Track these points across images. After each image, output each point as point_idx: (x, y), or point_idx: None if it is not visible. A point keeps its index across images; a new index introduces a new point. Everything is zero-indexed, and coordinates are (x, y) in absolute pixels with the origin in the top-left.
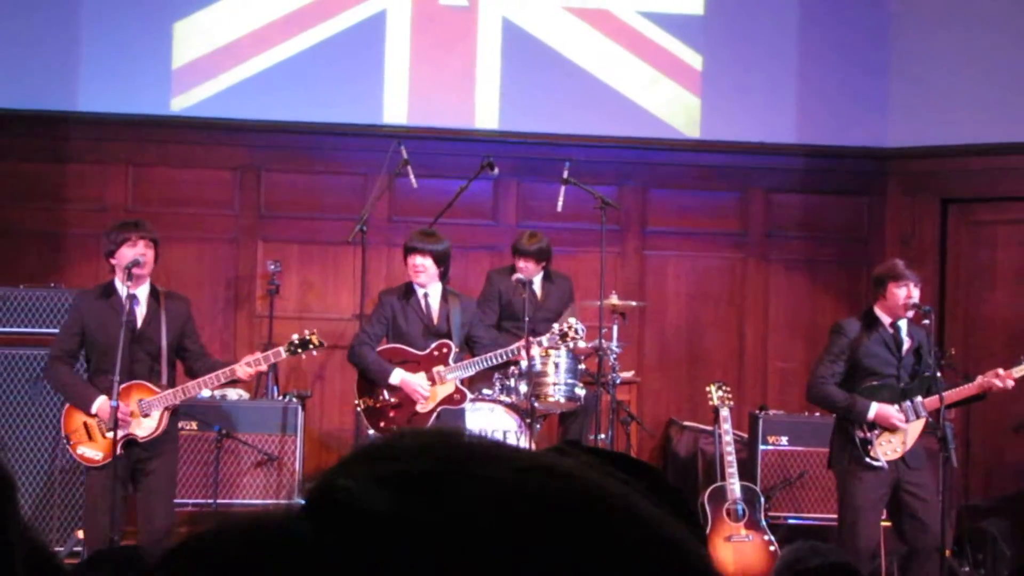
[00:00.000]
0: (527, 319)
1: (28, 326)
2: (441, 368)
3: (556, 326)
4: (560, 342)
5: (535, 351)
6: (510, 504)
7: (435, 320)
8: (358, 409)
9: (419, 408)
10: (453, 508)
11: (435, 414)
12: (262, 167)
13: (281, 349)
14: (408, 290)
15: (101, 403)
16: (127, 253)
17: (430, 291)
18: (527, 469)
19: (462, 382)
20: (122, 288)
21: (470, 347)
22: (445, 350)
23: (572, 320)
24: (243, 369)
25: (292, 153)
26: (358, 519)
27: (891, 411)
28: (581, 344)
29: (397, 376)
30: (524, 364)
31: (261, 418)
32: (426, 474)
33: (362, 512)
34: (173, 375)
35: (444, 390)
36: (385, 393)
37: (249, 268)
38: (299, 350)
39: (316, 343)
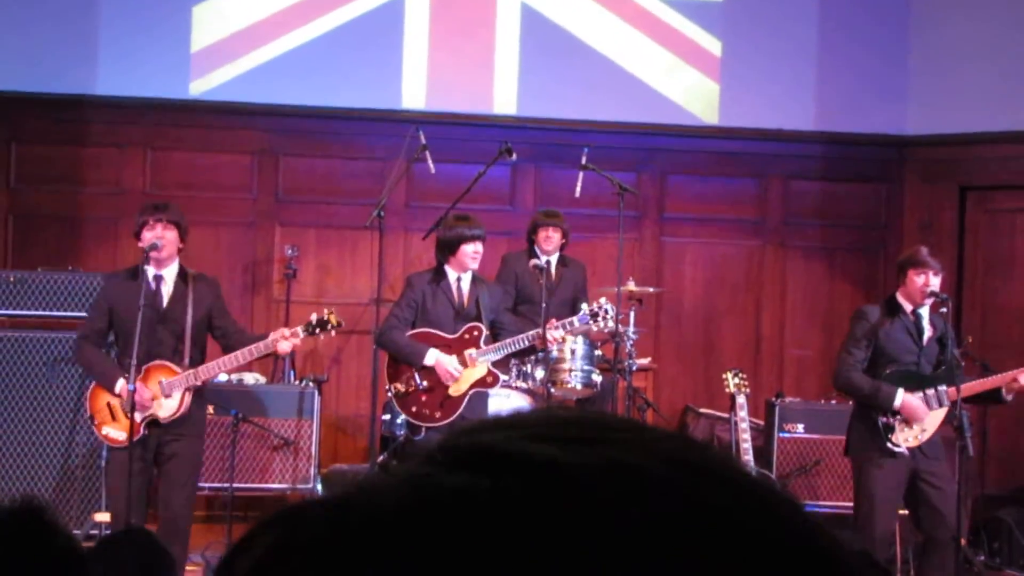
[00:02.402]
0: (544, 304)
1: (46, 309)
2: (473, 351)
3: (586, 306)
4: (591, 322)
5: (557, 334)
6: (674, 455)
7: (465, 304)
8: (389, 394)
9: (451, 392)
10: (624, 458)
11: (467, 397)
12: (280, 151)
13: (299, 329)
14: (439, 274)
15: (123, 384)
16: (146, 236)
17: (463, 275)
18: (664, 435)
19: (494, 365)
20: (149, 270)
21: (494, 333)
22: (476, 333)
23: (603, 300)
24: (284, 344)
25: (310, 137)
26: (536, 468)
27: (917, 403)
28: (611, 324)
29: (432, 356)
30: (555, 352)
31: (278, 402)
32: (578, 437)
33: (539, 461)
34: (200, 356)
35: (476, 373)
36: (416, 378)
37: (267, 252)
38: (316, 330)
39: (335, 323)
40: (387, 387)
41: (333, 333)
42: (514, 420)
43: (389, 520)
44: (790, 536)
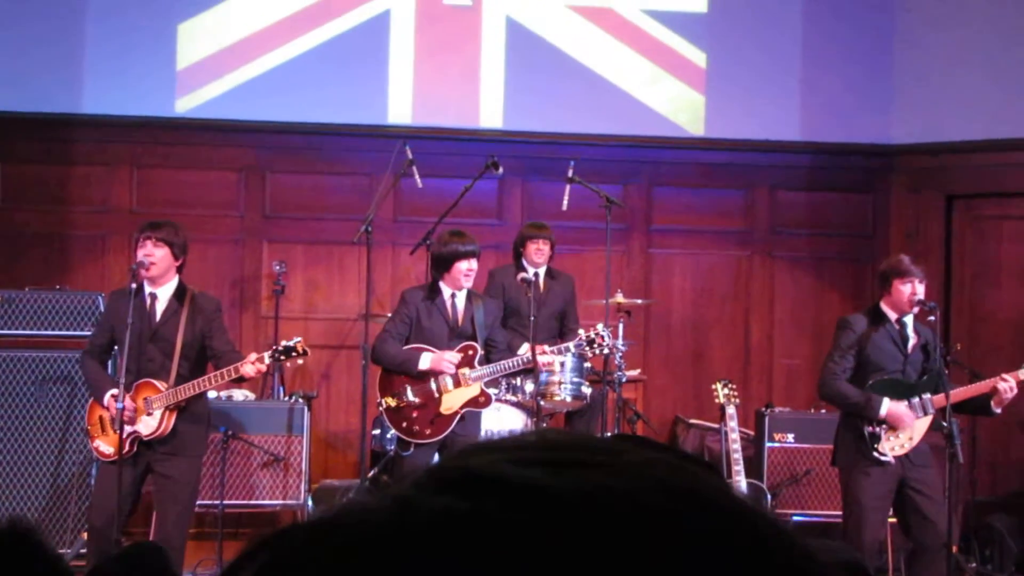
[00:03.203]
0: (532, 317)
1: (34, 328)
2: (466, 370)
3: (583, 332)
4: (587, 348)
5: (547, 359)
6: (662, 479)
7: (460, 321)
8: (380, 408)
9: (442, 410)
10: (610, 483)
11: (459, 416)
12: (267, 168)
13: (265, 355)
14: (433, 291)
15: (109, 396)
16: (138, 254)
17: (457, 292)
18: (652, 458)
19: (486, 385)
20: (145, 287)
21: (487, 350)
22: (471, 352)
23: (600, 326)
24: (247, 369)
25: (297, 154)
26: (515, 492)
27: (903, 410)
28: (607, 351)
29: (427, 359)
30: (548, 373)
31: (267, 419)
32: (567, 461)
33: (524, 486)
34: (191, 375)
35: (469, 392)
36: (409, 393)
37: (254, 269)
38: (282, 356)
39: (299, 351)
40: (378, 401)
41: (300, 362)
42: (504, 443)
43: (372, 540)
44: (777, 563)
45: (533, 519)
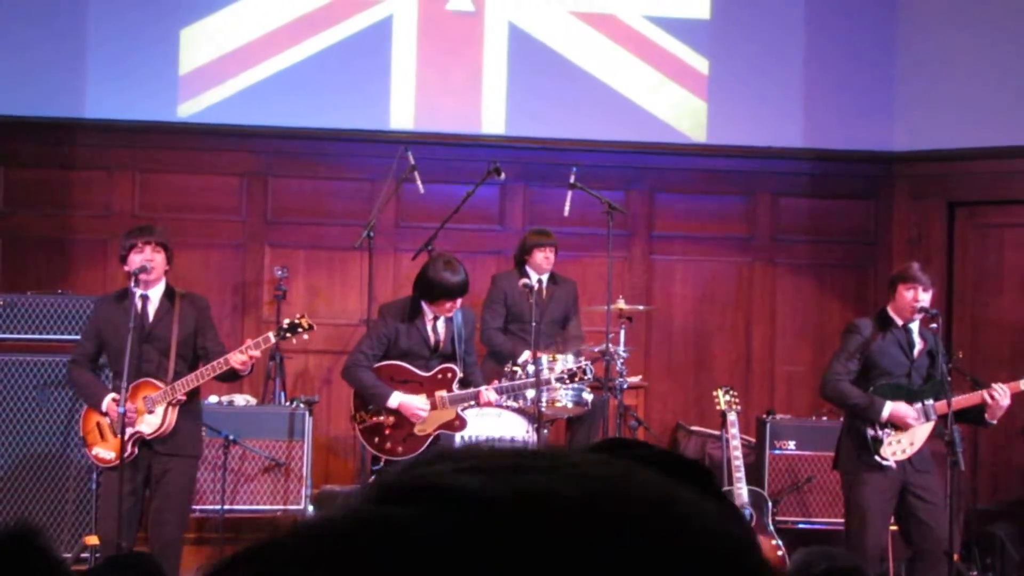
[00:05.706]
0: (534, 323)
1: (36, 333)
2: (444, 393)
3: (562, 359)
4: (568, 381)
5: (492, 396)
6: (592, 483)
7: (441, 342)
8: (354, 423)
9: (416, 431)
10: (541, 487)
11: (431, 437)
12: (269, 173)
13: (270, 334)
14: (413, 309)
15: (109, 400)
16: (135, 259)
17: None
18: (588, 459)
19: (462, 409)
20: (136, 291)
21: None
22: (450, 375)
23: (582, 359)
24: (236, 357)
25: (299, 159)
26: (450, 498)
27: (906, 409)
28: (587, 395)
29: (396, 400)
30: (546, 371)
31: (269, 424)
32: (507, 466)
33: (459, 492)
34: (187, 373)
35: (444, 415)
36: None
37: (256, 274)
38: (288, 334)
39: (306, 326)
40: (352, 415)
41: (306, 336)
42: (453, 453)
43: (314, 552)
44: (701, 553)
45: (464, 523)
